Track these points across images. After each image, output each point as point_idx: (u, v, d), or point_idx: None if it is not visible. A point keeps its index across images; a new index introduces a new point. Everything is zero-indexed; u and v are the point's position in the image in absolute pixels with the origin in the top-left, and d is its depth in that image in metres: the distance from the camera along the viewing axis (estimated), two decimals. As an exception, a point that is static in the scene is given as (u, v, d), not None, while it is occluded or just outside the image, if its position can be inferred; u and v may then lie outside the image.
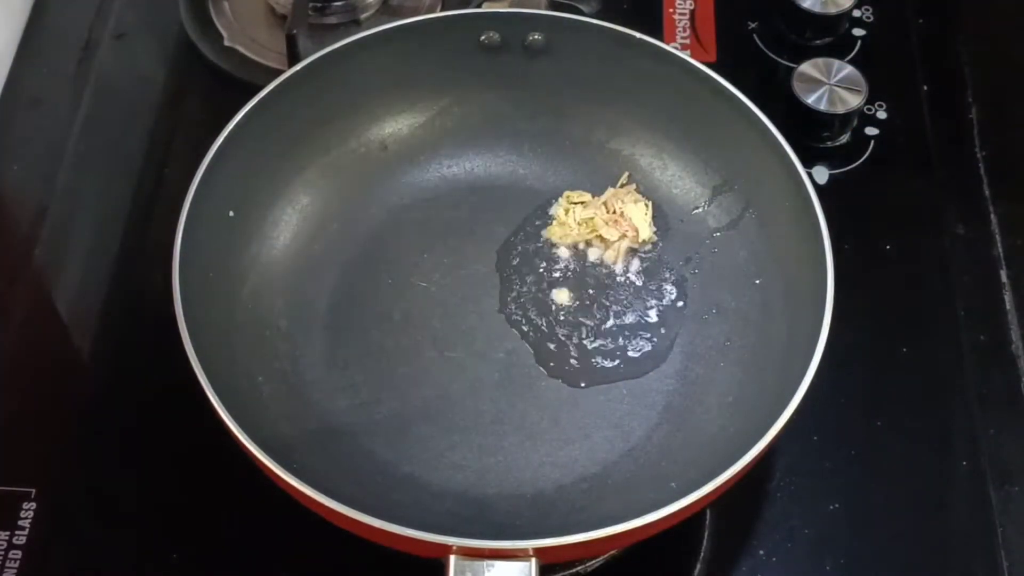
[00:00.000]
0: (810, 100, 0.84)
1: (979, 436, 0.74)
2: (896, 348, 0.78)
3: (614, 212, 0.78)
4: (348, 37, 0.76)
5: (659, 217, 0.79)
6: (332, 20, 0.91)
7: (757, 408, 0.66)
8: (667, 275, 0.77)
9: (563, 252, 0.79)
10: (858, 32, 0.92)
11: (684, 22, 0.94)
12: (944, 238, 0.83)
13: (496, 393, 0.72)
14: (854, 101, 0.85)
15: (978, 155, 0.87)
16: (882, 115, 0.88)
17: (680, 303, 0.76)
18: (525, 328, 0.75)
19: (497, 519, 0.67)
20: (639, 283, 0.77)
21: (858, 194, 0.85)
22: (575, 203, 0.80)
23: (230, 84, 0.88)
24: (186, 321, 0.63)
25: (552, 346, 0.74)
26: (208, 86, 0.91)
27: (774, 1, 0.93)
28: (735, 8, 0.95)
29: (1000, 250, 0.82)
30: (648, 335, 0.75)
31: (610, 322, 0.76)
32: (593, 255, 0.78)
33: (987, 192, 0.85)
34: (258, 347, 0.71)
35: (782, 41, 0.92)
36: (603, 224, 0.78)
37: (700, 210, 0.79)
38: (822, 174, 0.85)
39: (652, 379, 0.73)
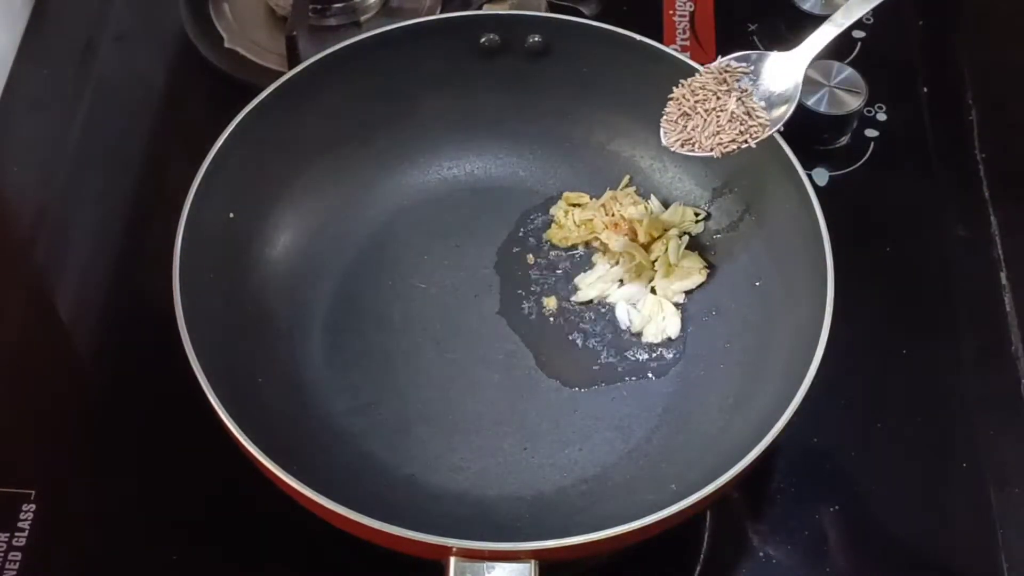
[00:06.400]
0: (810, 102, 0.84)
1: (979, 437, 0.74)
2: (896, 349, 0.78)
3: (613, 215, 0.78)
4: (348, 39, 0.76)
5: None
6: (332, 22, 0.91)
7: (757, 410, 0.66)
8: (667, 276, 0.77)
9: (563, 254, 0.79)
10: (858, 34, 0.92)
11: (684, 24, 0.94)
12: (944, 240, 0.83)
13: (496, 395, 0.72)
14: (854, 103, 0.85)
15: (978, 157, 0.87)
16: (882, 117, 0.88)
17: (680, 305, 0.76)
18: (525, 330, 0.75)
19: (497, 520, 0.67)
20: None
21: (858, 196, 0.85)
22: (573, 205, 0.80)
23: (230, 86, 0.88)
24: (186, 321, 0.63)
25: (552, 348, 0.74)
26: (208, 87, 0.91)
27: (774, 2, 0.93)
28: (735, 9, 0.95)
29: (1000, 252, 0.82)
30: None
31: (610, 323, 0.76)
32: (593, 256, 0.78)
33: (987, 194, 0.85)
34: (258, 347, 0.71)
35: (782, 42, 0.92)
36: (602, 227, 0.78)
37: (700, 212, 0.79)
38: (822, 176, 0.85)
39: (652, 381, 0.73)
